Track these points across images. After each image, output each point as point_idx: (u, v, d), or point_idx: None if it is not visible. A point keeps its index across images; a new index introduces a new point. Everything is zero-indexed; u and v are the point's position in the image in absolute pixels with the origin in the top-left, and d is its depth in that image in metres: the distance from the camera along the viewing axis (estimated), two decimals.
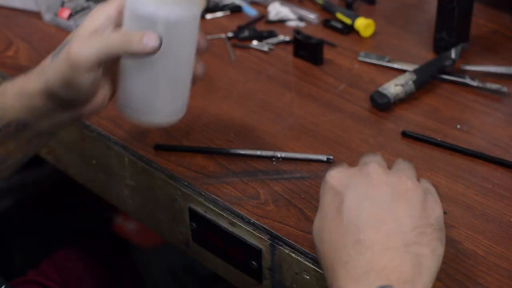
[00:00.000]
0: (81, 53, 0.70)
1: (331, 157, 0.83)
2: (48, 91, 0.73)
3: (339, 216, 0.63)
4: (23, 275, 1.02)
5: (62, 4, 1.12)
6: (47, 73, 0.73)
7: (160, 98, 0.77)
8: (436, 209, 0.65)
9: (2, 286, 0.85)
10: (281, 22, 1.11)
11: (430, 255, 0.61)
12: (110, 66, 0.75)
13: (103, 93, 0.75)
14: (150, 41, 0.70)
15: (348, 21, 1.07)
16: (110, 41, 0.71)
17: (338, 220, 0.63)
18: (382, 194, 0.63)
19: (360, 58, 1.02)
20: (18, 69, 1.03)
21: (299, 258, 0.74)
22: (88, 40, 0.71)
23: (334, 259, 0.62)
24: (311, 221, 0.77)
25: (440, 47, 1.01)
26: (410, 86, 0.93)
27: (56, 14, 1.11)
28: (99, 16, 0.72)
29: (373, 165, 0.66)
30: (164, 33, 0.72)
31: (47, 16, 1.12)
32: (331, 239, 0.63)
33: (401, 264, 0.59)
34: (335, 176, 0.66)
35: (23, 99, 0.75)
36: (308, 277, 0.74)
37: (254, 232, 0.77)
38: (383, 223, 0.61)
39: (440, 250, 0.63)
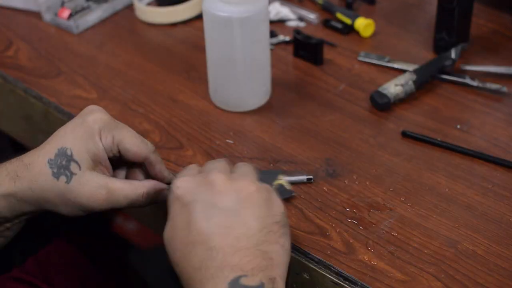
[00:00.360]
0: (92, 203, 0.72)
1: (311, 177, 0.83)
2: (44, 206, 0.74)
3: (188, 227, 0.65)
4: (4, 272, 1.02)
5: (62, 4, 1.12)
6: (46, 189, 0.72)
7: (248, 88, 0.91)
8: (280, 206, 0.67)
9: None
10: (281, 22, 1.11)
11: (280, 251, 0.65)
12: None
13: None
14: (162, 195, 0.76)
15: (348, 21, 1.07)
16: (120, 189, 0.73)
17: (188, 231, 0.65)
18: (228, 201, 0.65)
19: (360, 58, 1.02)
20: (18, 69, 1.03)
21: (299, 258, 0.74)
22: (95, 182, 0.72)
23: (187, 266, 0.64)
24: (311, 221, 0.77)
25: (440, 47, 1.01)
26: (410, 86, 0.93)
27: (56, 14, 1.11)
28: (98, 144, 0.72)
29: (216, 173, 0.68)
30: (240, 28, 0.85)
31: (47, 16, 1.12)
32: (182, 249, 0.65)
33: (253, 260, 0.63)
34: (181, 187, 0.67)
35: (12, 202, 0.74)
36: (308, 277, 0.74)
37: None
38: (231, 229, 0.64)
39: (287, 244, 0.66)
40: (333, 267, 0.73)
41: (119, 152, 0.73)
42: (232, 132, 0.90)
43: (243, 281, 0.61)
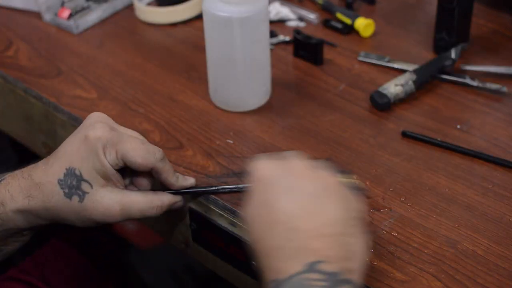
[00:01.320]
0: (106, 218, 0.73)
1: None
2: (60, 222, 0.75)
3: (270, 207, 0.64)
4: (4, 272, 1.02)
5: (62, 4, 1.12)
6: (60, 208, 0.73)
7: (248, 88, 0.91)
8: (360, 204, 0.67)
9: None
10: (281, 22, 1.11)
11: (362, 246, 0.64)
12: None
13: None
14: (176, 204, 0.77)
15: (348, 21, 1.07)
16: (134, 203, 0.73)
17: (270, 211, 0.64)
18: (311, 187, 0.65)
19: (360, 58, 1.02)
20: (18, 69, 1.03)
21: None
22: (108, 198, 0.72)
23: (266, 245, 0.64)
24: None
25: (440, 47, 1.01)
26: (410, 86, 0.93)
27: (56, 14, 1.11)
28: (103, 157, 0.72)
29: (296, 159, 0.68)
30: (240, 28, 0.85)
31: (47, 16, 1.12)
32: (263, 227, 0.64)
33: (334, 248, 0.62)
34: (262, 168, 0.67)
35: (28, 216, 0.75)
36: None
37: None
38: (315, 214, 0.63)
39: (367, 242, 0.65)
40: None
41: (125, 163, 0.73)
42: (232, 132, 0.90)
43: (321, 266, 0.60)
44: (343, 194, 0.65)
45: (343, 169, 0.82)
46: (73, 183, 0.72)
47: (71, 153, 0.72)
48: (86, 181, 0.72)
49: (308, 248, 0.61)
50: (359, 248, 0.63)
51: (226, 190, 0.79)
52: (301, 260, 0.61)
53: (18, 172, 0.75)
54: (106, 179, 0.72)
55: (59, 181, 0.72)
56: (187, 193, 0.78)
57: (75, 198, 0.72)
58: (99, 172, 0.71)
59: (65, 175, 0.72)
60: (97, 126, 0.72)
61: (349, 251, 0.62)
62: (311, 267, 0.60)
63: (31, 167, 0.75)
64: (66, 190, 0.72)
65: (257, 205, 0.66)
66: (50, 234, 1.12)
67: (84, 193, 0.72)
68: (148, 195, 0.74)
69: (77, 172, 0.72)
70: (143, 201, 0.73)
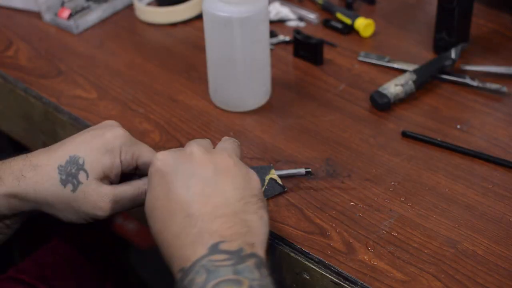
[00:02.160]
0: (96, 211, 0.73)
1: (310, 170, 0.83)
2: (45, 209, 0.75)
3: (168, 197, 0.66)
4: (4, 272, 1.02)
5: (62, 4, 1.12)
6: (51, 193, 0.73)
7: (248, 88, 0.91)
8: (257, 182, 0.69)
9: None
10: (281, 22, 1.11)
11: (259, 221, 0.66)
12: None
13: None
14: None
15: (348, 21, 1.07)
16: (122, 192, 0.74)
17: (168, 200, 0.66)
18: (206, 171, 0.67)
19: (360, 58, 1.02)
20: (18, 69, 1.03)
21: (299, 258, 0.74)
22: (99, 191, 0.73)
23: (167, 235, 0.66)
24: (311, 221, 0.77)
25: (440, 47, 1.01)
26: (410, 86, 0.93)
27: (56, 14, 1.11)
28: (107, 158, 0.73)
29: (194, 146, 0.69)
30: (240, 28, 0.85)
31: (47, 16, 1.12)
32: (162, 217, 0.66)
33: (232, 226, 0.64)
34: (161, 159, 0.69)
35: (13, 201, 0.74)
36: (308, 277, 0.74)
37: None
38: (210, 198, 0.65)
39: (266, 217, 0.67)
40: (333, 267, 0.73)
41: (135, 167, 0.75)
42: (232, 132, 0.90)
43: (223, 246, 0.62)
44: (239, 174, 0.67)
45: (264, 165, 0.83)
46: (72, 170, 0.72)
47: (81, 143, 0.74)
48: (85, 170, 0.72)
49: (207, 231, 0.63)
50: (256, 224, 0.65)
51: None
52: (203, 244, 0.63)
53: (14, 157, 0.76)
54: (106, 175, 0.73)
55: (59, 166, 0.73)
56: None
57: (69, 187, 0.72)
58: (104, 167, 0.72)
59: (67, 161, 0.73)
60: (117, 129, 0.75)
61: (248, 227, 0.64)
62: (214, 249, 0.62)
63: (32, 153, 0.76)
64: (63, 177, 0.72)
65: (156, 197, 0.67)
66: (50, 234, 1.12)
67: (79, 183, 0.72)
68: (134, 182, 0.76)
69: (80, 161, 0.72)
70: (130, 189, 0.74)
